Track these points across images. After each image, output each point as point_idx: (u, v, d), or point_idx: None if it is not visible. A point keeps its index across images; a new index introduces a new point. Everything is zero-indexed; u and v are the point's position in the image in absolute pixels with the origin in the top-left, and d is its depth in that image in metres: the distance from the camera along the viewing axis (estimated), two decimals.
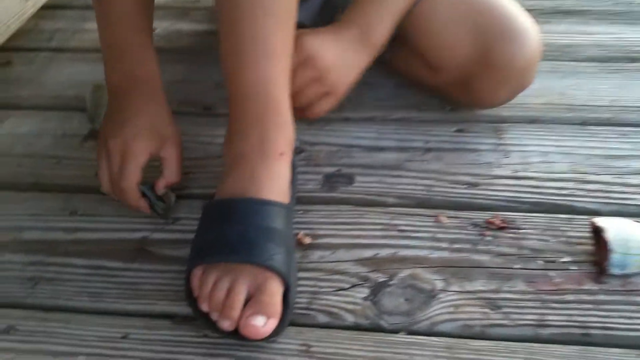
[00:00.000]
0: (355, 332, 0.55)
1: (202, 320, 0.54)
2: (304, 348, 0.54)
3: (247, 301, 0.53)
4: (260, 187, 0.58)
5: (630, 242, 0.60)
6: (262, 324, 0.51)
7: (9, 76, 0.92)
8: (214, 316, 0.53)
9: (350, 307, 0.57)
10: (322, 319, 0.56)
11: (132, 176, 0.62)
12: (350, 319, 0.56)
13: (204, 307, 0.53)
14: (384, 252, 0.63)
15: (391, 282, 0.59)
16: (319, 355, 0.53)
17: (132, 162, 0.61)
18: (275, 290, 0.53)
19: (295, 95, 0.66)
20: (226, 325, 0.52)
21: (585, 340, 0.54)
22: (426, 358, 0.53)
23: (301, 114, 0.72)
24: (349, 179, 0.72)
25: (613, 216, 0.64)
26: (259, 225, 0.55)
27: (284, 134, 0.60)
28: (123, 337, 0.55)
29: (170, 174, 0.65)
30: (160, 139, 0.63)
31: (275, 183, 0.59)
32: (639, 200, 0.68)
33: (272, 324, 0.52)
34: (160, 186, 0.65)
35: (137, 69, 0.65)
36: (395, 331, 0.55)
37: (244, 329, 0.51)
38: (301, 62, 0.67)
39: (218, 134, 0.77)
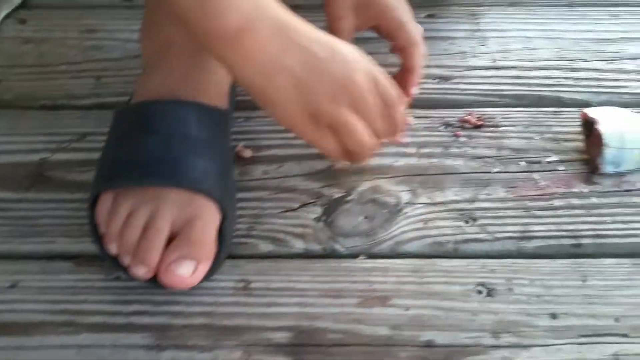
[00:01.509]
0: (305, 261, 0.46)
1: (111, 263, 0.44)
2: (241, 285, 0.44)
3: (172, 239, 0.42)
4: (193, 87, 0.46)
5: (626, 134, 0.51)
6: (190, 271, 0.41)
7: None
8: (126, 260, 0.42)
9: (298, 230, 0.48)
10: (265, 247, 0.47)
11: None
12: (299, 245, 0.47)
13: (112, 248, 0.42)
14: (340, 163, 0.52)
15: (349, 198, 0.50)
16: (259, 292, 0.44)
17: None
18: (208, 222, 0.43)
19: None
20: (141, 272, 0.41)
21: (575, 252, 0.46)
22: (389, 284, 0.44)
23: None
24: None
25: (605, 106, 0.55)
26: (186, 136, 0.44)
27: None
28: (11, 287, 0.45)
29: None
30: None
31: (213, 82, 0.47)
32: (634, 87, 0.59)
33: (203, 269, 0.42)
34: None
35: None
36: (353, 256, 0.46)
37: (166, 278, 0.41)
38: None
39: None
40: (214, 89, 0.47)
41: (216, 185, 0.43)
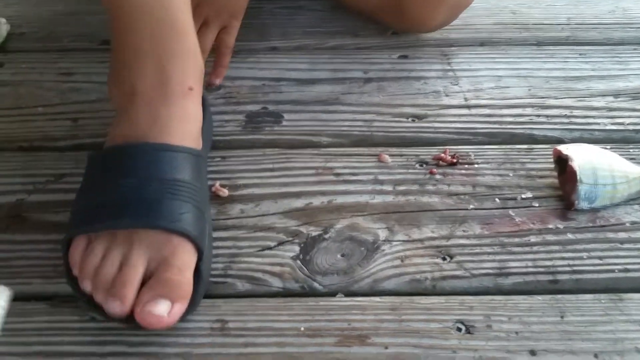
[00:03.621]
0: (283, 300, 0.45)
1: (86, 304, 0.43)
2: (218, 325, 0.43)
3: (148, 279, 0.42)
4: (162, 130, 0.46)
5: (599, 170, 0.52)
6: (166, 311, 0.40)
7: None
8: (99, 297, 0.41)
9: (276, 269, 0.47)
10: (242, 286, 0.46)
11: None
12: (276, 284, 0.46)
13: (86, 285, 0.42)
14: (318, 201, 0.53)
15: (326, 236, 0.50)
16: (237, 332, 0.43)
17: None
18: (184, 262, 0.42)
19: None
20: (116, 307, 0.40)
21: (553, 288, 0.46)
22: (367, 323, 0.44)
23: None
24: (277, 118, 0.61)
25: (577, 143, 0.56)
26: (160, 178, 0.44)
27: (191, 63, 0.49)
28: None
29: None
30: None
31: (182, 125, 0.47)
32: (604, 124, 0.60)
33: (179, 309, 0.41)
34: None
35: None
36: (331, 294, 0.46)
37: (141, 317, 0.40)
38: None
39: None
40: (184, 131, 0.47)
41: (191, 225, 0.43)
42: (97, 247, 0.42)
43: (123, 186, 0.43)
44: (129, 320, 0.41)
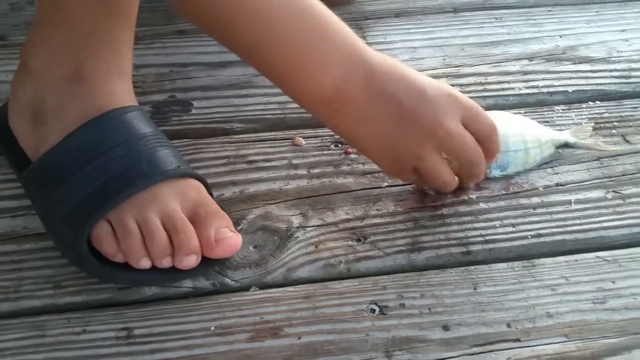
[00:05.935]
0: (193, 300, 0.43)
1: (137, 279, 0.43)
2: (123, 334, 0.41)
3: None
4: (120, 97, 0.46)
5: (510, 137, 0.51)
6: (230, 233, 0.44)
7: None
8: (166, 263, 0.42)
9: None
10: (150, 290, 0.44)
11: None
12: (186, 284, 0.44)
13: (145, 263, 0.42)
14: (229, 192, 0.51)
15: (238, 228, 0.48)
16: (143, 340, 0.41)
17: None
18: (205, 194, 0.45)
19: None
20: (193, 261, 0.42)
21: (465, 260, 0.46)
22: (280, 314, 0.43)
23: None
24: (185, 106, 0.58)
25: (492, 110, 0.56)
26: (142, 134, 0.44)
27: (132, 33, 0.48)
28: None
29: None
30: None
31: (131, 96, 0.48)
32: (518, 88, 0.60)
33: (233, 228, 0.45)
34: None
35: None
36: (244, 289, 0.45)
37: (220, 248, 0.43)
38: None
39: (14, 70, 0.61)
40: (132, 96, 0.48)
41: (184, 162, 0.46)
42: (126, 221, 0.41)
43: (116, 154, 0.42)
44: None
